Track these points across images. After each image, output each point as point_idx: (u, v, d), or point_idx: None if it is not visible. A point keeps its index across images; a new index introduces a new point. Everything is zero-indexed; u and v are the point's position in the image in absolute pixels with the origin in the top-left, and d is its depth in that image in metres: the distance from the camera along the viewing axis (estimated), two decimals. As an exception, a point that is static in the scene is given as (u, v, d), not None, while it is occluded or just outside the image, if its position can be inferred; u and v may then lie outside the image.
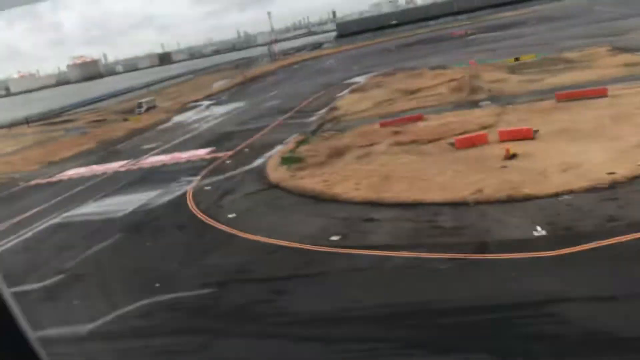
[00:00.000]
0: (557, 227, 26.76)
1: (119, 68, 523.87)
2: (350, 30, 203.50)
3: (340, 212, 34.53)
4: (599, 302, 20.16)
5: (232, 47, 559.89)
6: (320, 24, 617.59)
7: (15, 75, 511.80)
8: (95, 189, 54.64)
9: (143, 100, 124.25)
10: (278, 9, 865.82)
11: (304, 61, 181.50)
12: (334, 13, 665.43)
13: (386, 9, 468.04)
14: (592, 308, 19.82)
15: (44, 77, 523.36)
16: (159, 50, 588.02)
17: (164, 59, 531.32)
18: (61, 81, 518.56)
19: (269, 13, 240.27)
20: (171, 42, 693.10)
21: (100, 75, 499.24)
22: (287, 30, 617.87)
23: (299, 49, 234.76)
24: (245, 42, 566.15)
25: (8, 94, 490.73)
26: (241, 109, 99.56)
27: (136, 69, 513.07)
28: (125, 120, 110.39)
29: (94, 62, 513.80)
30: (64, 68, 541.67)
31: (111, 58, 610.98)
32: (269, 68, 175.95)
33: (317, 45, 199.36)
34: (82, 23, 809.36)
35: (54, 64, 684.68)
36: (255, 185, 45.23)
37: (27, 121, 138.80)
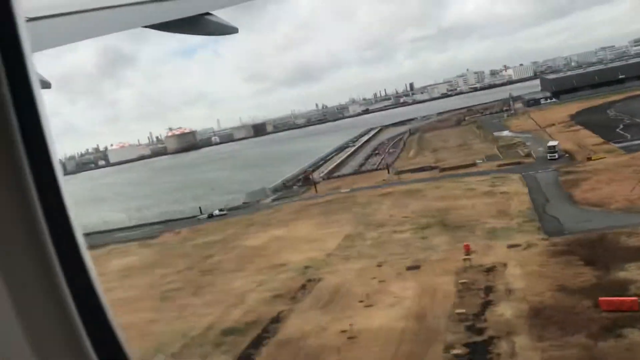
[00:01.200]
0: None
1: (216, 139, 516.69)
2: (565, 86, 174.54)
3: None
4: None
5: (323, 117, 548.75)
6: (399, 95, 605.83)
7: (115, 146, 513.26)
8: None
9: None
10: (324, 86, 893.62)
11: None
12: (411, 85, 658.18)
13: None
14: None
15: (142, 147, 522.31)
16: (213, 124, 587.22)
17: (259, 129, 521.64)
18: (157, 151, 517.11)
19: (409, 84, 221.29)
20: (227, 117, 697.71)
21: (196, 147, 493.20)
22: (371, 101, 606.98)
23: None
24: (332, 114, 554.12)
25: (107, 164, 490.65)
26: None
27: (232, 140, 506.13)
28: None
29: (192, 133, 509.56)
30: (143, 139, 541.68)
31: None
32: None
33: (533, 102, 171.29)
34: (139, 100, 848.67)
35: (109, 139, 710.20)
36: None
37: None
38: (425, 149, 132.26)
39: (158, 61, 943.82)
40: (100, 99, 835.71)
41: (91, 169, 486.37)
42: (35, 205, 2.12)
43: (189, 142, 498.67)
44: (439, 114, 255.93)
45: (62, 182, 2.21)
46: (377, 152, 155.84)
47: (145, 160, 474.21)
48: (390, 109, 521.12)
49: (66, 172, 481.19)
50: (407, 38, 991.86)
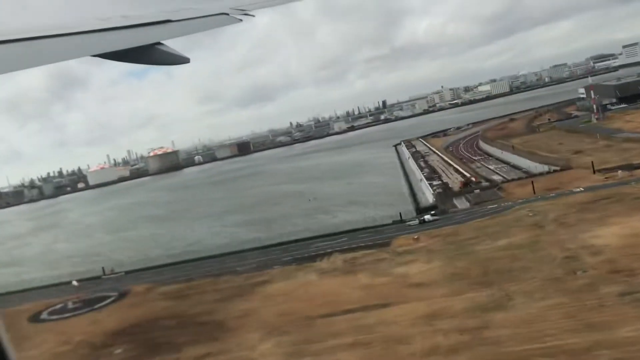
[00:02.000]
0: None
1: (199, 159, 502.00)
2: (630, 92, 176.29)
3: None
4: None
5: (309, 133, 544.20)
6: (373, 112, 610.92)
7: (95, 167, 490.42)
8: None
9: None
10: (277, 106, 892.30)
11: None
12: (384, 103, 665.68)
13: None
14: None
15: (121, 168, 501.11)
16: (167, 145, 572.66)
17: (243, 148, 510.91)
18: (136, 173, 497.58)
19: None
20: (180, 139, 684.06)
21: (180, 167, 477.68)
22: (348, 119, 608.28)
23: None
24: (318, 132, 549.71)
25: (87, 186, 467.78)
26: None
27: (215, 159, 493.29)
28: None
29: (175, 153, 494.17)
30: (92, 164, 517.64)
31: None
32: None
33: (603, 107, 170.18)
34: (88, 123, 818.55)
35: (53, 165, 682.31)
36: None
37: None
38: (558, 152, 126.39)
39: (110, 82, 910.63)
40: (49, 123, 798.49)
41: (68, 192, 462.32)
42: None
43: (172, 162, 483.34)
44: (473, 124, 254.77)
45: None
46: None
47: (126, 183, 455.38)
48: (374, 125, 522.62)
49: (44, 196, 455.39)
50: (361, 58, 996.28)
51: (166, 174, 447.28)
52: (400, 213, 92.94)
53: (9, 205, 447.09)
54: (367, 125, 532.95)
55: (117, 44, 7.94)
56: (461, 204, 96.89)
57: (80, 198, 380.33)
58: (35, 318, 73.33)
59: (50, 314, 74.06)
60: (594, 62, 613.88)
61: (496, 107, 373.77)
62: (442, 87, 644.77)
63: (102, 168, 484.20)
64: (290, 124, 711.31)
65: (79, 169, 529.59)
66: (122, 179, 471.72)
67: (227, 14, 10.59)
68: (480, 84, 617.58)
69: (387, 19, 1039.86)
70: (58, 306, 76.45)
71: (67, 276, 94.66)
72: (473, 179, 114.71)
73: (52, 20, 8.17)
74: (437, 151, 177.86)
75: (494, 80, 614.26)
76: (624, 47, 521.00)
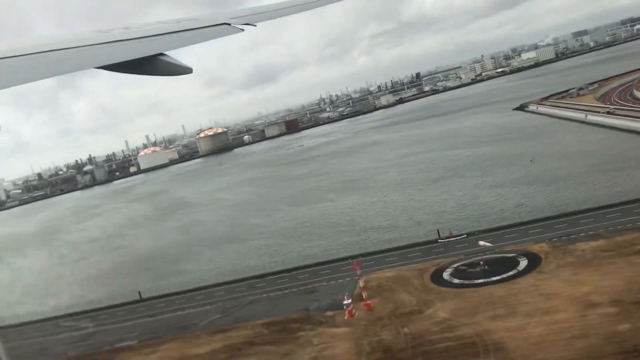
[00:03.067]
0: None
1: (248, 138, 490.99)
2: None
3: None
4: None
5: (355, 108, 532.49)
6: (404, 84, 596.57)
7: (148, 151, 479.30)
8: None
9: None
10: (282, 87, 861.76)
11: None
12: (417, 75, 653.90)
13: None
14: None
15: (170, 151, 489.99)
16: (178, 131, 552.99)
17: (291, 125, 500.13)
18: (186, 155, 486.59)
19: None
20: (186, 124, 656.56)
21: (231, 147, 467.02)
22: (378, 91, 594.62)
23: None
24: (366, 105, 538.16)
25: (138, 170, 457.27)
26: None
27: (264, 139, 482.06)
28: None
29: (225, 133, 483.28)
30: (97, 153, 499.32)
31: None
32: None
33: None
34: (94, 111, 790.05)
35: (59, 154, 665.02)
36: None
37: None
38: None
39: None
40: (55, 112, 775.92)
41: (119, 177, 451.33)
42: None
43: (223, 142, 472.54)
44: (597, 82, 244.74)
45: None
46: None
47: (178, 165, 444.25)
48: (421, 97, 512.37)
49: (95, 182, 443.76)
50: (367, 34, 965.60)
51: (218, 155, 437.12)
52: None
53: (62, 192, 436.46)
54: (414, 97, 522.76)
55: (120, 56, 8.12)
56: None
57: (153, 180, 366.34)
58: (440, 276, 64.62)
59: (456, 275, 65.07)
60: (630, 25, 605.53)
61: (565, 72, 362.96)
62: (482, 56, 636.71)
63: (154, 151, 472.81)
64: (322, 98, 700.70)
65: (127, 153, 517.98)
66: (173, 162, 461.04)
67: (229, 24, 10.97)
68: (520, 52, 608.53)
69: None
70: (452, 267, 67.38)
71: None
72: None
73: (58, 35, 9.00)
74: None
75: (536, 47, 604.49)
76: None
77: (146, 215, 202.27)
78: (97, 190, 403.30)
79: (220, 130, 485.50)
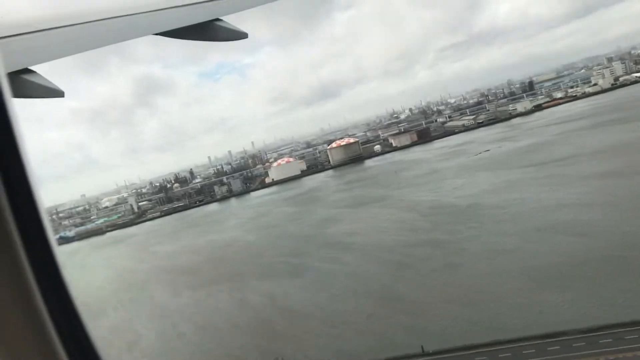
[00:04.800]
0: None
1: (378, 148, 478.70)
2: None
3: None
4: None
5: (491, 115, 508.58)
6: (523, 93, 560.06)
7: (282, 161, 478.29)
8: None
9: None
10: (341, 103, 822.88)
11: None
12: (530, 83, 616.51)
13: None
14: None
15: (300, 162, 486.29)
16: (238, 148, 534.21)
17: (423, 135, 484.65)
18: (314, 167, 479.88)
19: None
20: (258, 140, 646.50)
21: (362, 158, 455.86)
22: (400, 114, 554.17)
23: None
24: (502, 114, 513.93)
25: (272, 182, 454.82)
26: None
27: (393, 149, 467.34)
28: None
29: (357, 143, 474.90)
30: (161, 171, 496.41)
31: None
32: None
33: None
34: (161, 129, 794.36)
35: (127, 171, 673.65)
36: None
37: None
38: None
39: (190, 86, 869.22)
40: (128, 130, 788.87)
41: (253, 189, 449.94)
42: (4, 204, 2.00)
43: (355, 152, 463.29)
44: None
45: (35, 183, 2.12)
46: None
47: (311, 177, 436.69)
48: (560, 103, 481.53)
49: (232, 194, 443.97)
50: (436, 47, 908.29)
51: (349, 166, 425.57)
52: None
53: (200, 203, 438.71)
54: (555, 102, 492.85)
55: (177, 22, 8.27)
56: None
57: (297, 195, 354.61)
58: None
59: None
60: None
61: None
62: (610, 58, 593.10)
63: (288, 162, 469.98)
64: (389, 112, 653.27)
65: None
66: (304, 173, 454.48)
67: None
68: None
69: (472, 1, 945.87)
70: None
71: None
72: None
73: (114, 2, 8.79)
74: None
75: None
76: None
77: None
78: (254, 200, 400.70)
79: (352, 141, 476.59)
